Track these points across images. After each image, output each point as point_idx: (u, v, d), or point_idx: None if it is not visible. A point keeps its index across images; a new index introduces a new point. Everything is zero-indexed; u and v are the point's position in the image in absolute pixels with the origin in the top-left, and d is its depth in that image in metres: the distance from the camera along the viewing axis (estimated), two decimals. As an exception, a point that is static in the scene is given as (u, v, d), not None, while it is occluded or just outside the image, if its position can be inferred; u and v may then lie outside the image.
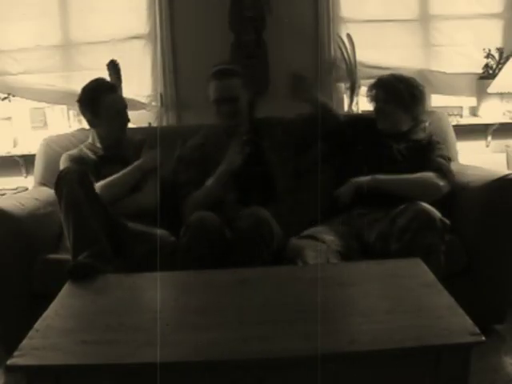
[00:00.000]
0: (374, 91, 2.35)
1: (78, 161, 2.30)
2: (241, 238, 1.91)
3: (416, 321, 1.28)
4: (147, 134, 2.47)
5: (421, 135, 2.35)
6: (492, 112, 3.05)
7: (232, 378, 1.20)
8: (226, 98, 2.25)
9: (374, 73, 2.95)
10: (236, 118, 2.28)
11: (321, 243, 1.96)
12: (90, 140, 2.43)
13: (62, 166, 2.31)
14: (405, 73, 2.43)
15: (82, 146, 2.43)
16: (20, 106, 3.09)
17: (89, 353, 1.21)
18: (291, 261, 1.91)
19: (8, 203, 2.11)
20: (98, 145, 2.40)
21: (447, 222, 1.93)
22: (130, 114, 2.42)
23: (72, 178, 1.95)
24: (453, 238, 2.06)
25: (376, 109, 2.35)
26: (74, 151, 2.39)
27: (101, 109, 2.29)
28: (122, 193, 2.21)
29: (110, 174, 2.22)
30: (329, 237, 2.01)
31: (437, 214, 1.92)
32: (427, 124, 2.40)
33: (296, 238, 2.03)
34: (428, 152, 2.25)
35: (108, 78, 2.62)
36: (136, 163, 2.27)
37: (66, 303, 1.48)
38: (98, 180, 2.18)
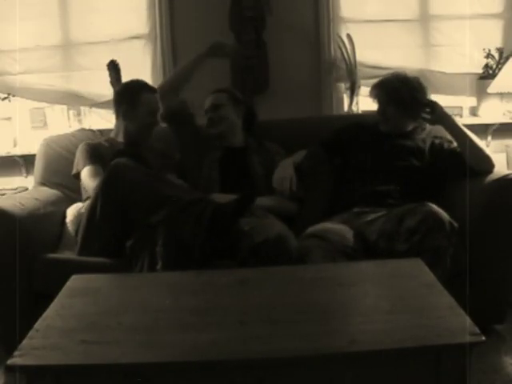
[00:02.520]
0: (375, 92, 2.34)
1: (95, 150, 2.34)
2: (254, 253, 1.87)
3: (416, 321, 1.28)
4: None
5: (422, 135, 2.36)
6: (492, 112, 3.05)
7: (232, 378, 1.20)
8: (210, 105, 2.49)
9: (374, 73, 2.96)
10: (219, 125, 2.44)
11: (327, 243, 1.96)
12: (111, 135, 2.48)
13: (78, 155, 2.36)
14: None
15: (102, 139, 2.49)
16: (20, 106, 3.09)
17: (89, 353, 1.21)
18: (299, 260, 1.90)
19: (8, 203, 2.11)
20: (120, 139, 2.43)
21: (455, 224, 1.92)
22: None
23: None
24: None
25: (378, 110, 2.35)
26: (93, 141, 2.44)
27: (140, 102, 2.40)
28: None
29: None
30: (334, 236, 2.01)
31: (446, 216, 1.90)
32: (427, 125, 2.40)
33: (301, 237, 2.03)
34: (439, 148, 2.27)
35: (108, 78, 2.63)
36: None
37: (67, 303, 1.47)
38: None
